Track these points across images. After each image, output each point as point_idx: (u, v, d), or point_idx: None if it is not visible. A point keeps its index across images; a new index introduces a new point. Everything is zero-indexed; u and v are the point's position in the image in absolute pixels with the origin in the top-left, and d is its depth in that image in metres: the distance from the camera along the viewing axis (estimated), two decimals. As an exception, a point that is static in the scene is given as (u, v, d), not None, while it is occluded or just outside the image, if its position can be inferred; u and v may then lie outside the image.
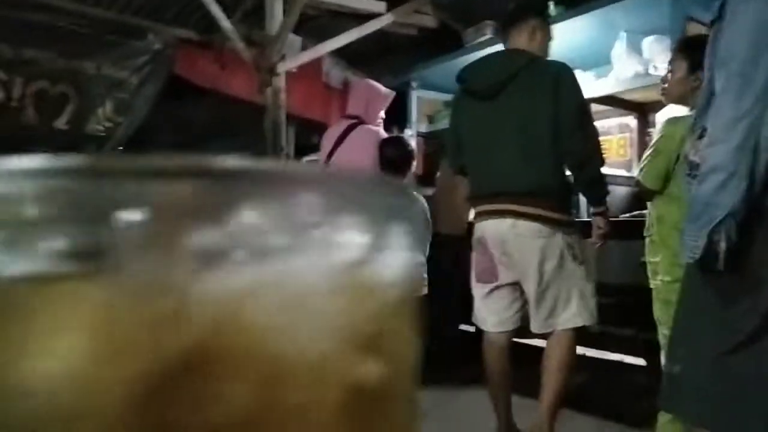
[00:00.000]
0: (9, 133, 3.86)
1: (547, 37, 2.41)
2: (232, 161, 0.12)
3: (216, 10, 3.95)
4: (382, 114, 3.37)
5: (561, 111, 2.16)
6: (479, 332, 3.29)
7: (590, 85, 3.76)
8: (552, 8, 3.65)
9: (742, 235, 1.25)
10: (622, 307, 2.96)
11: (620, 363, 3.85)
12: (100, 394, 0.11)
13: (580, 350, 4.08)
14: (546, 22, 2.47)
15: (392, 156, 3.06)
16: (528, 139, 2.21)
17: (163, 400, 0.11)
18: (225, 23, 4.02)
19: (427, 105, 5.04)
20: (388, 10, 4.48)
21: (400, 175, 3.04)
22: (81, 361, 0.11)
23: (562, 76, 2.23)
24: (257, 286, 0.12)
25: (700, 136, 1.37)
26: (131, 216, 0.12)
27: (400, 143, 3.19)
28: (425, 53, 4.74)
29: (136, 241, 0.12)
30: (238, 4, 4.38)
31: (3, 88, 3.94)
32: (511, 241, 2.28)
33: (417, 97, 4.97)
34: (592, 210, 2.38)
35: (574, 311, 2.26)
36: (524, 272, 2.31)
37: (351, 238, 0.14)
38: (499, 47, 3.99)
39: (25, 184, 0.12)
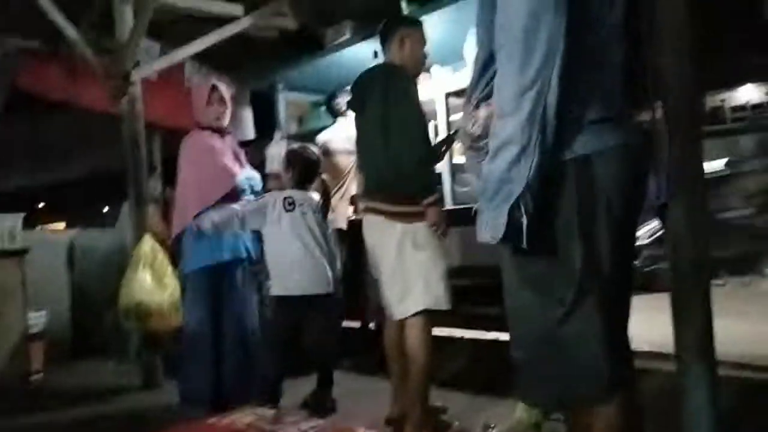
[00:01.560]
0: None
1: (418, 42, 2.60)
2: None
3: (59, 18, 3.71)
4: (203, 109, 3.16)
5: (387, 114, 2.41)
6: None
7: (447, 79, 3.95)
8: (405, 7, 3.78)
9: (542, 206, 1.21)
10: (490, 288, 3.13)
11: (496, 341, 4.06)
12: None
13: (459, 332, 4.29)
14: (414, 28, 2.64)
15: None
16: (371, 144, 2.51)
17: None
18: (70, 32, 3.79)
19: (296, 107, 5.04)
20: (246, 13, 4.43)
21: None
22: None
23: (389, 81, 2.47)
24: None
25: (476, 107, 1.38)
26: None
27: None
28: (288, 55, 4.73)
29: None
30: (84, 11, 4.14)
31: None
32: (368, 233, 2.54)
33: (284, 99, 4.95)
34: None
35: (417, 296, 2.37)
36: (377, 261, 2.52)
37: None
38: (359, 46, 4.11)
39: None
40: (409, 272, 2.39)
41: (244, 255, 3.08)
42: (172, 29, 4.71)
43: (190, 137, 3.15)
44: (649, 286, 4.19)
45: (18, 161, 6.17)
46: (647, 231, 5.65)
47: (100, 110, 4.41)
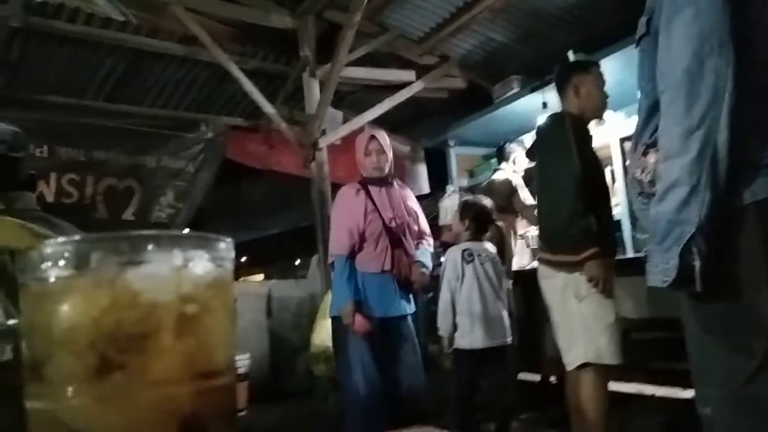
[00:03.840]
0: (83, 228, 4.21)
1: (594, 86, 2.53)
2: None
3: (259, 98, 4.30)
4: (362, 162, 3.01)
5: (549, 165, 2.45)
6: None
7: (621, 124, 3.85)
8: (571, 56, 3.79)
9: (720, 250, 1.15)
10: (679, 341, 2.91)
11: (690, 400, 3.72)
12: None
13: (650, 389, 4.00)
14: (588, 72, 2.56)
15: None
16: (540, 193, 2.57)
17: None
18: (268, 108, 4.35)
19: (466, 161, 5.21)
20: (418, 77, 4.75)
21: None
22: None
23: (553, 132, 2.50)
24: (148, 278, 0.28)
25: (644, 153, 1.33)
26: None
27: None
28: (458, 112, 4.94)
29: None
30: (279, 88, 4.74)
31: (76, 188, 4.36)
32: (540, 282, 2.52)
33: (455, 154, 5.16)
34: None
35: (580, 349, 2.30)
36: (549, 311, 2.49)
37: (180, 257, 0.29)
38: (527, 98, 4.17)
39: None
40: (573, 323, 2.33)
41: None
42: (352, 98, 5.20)
43: (339, 191, 3.08)
44: None
45: (225, 222, 7.01)
46: None
47: (292, 174, 4.95)
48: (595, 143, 2.53)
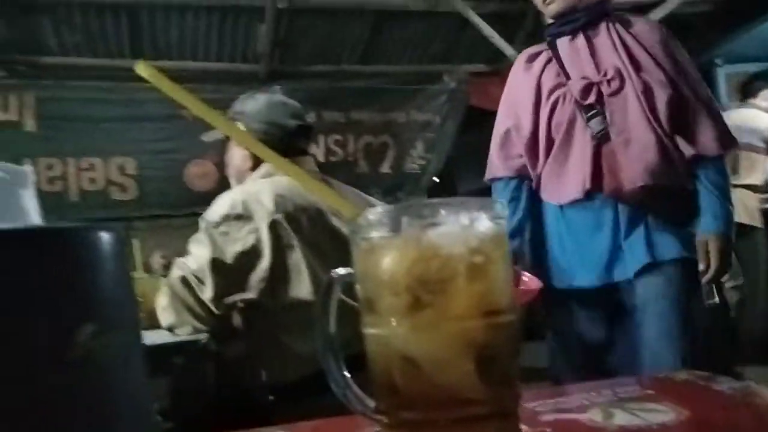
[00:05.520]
0: (347, 182, 4.71)
1: None
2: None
3: (498, 41, 4.27)
4: None
5: None
6: None
7: None
8: None
9: None
10: None
11: None
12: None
13: None
14: None
15: None
16: None
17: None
18: (508, 50, 4.30)
19: (737, 79, 4.55)
20: (673, -8, 4.23)
21: None
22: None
23: None
24: (444, 236, 0.36)
25: None
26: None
27: None
28: (726, 25, 4.31)
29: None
30: (518, 29, 4.63)
31: (341, 147, 4.88)
32: None
33: (725, 73, 4.54)
34: None
35: None
36: None
37: (470, 218, 0.36)
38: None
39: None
40: None
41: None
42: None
43: None
44: None
45: (472, 167, 7.20)
46: None
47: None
48: None
